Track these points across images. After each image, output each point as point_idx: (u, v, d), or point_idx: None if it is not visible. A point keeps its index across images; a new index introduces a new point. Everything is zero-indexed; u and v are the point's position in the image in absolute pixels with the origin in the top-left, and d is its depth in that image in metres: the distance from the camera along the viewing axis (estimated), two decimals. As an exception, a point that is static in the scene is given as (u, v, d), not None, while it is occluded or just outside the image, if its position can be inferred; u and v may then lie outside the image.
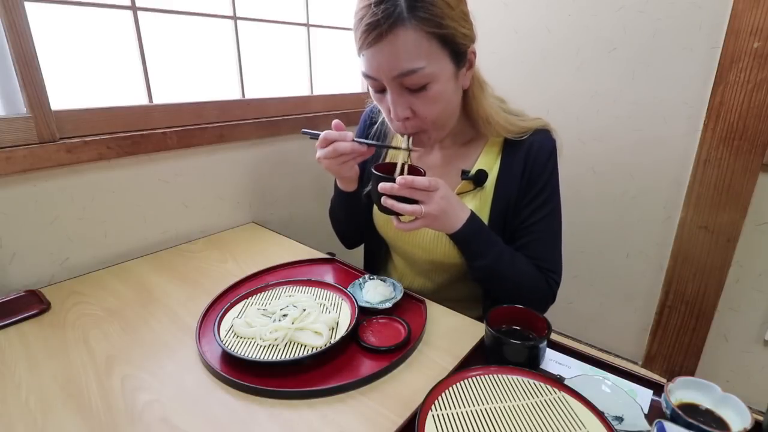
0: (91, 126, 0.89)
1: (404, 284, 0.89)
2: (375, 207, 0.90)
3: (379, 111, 0.88)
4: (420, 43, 0.62)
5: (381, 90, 0.69)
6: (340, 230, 1.00)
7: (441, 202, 0.66)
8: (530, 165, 0.76)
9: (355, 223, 0.95)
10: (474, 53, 0.70)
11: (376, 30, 0.60)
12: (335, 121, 0.74)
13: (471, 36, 0.68)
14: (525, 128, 0.77)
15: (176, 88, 1.07)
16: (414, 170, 0.71)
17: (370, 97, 0.76)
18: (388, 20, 0.60)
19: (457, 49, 0.66)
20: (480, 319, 0.74)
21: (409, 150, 0.71)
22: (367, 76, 0.67)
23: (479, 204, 0.79)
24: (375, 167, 0.69)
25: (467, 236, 0.71)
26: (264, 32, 1.25)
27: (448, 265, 0.84)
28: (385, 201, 0.65)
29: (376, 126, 0.90)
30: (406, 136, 0.73)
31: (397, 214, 0.67)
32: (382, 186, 0.64)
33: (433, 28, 0.61)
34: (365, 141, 0.75)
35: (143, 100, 1.00)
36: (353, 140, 0.73)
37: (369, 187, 0.89)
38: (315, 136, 0.75)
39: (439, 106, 0.68)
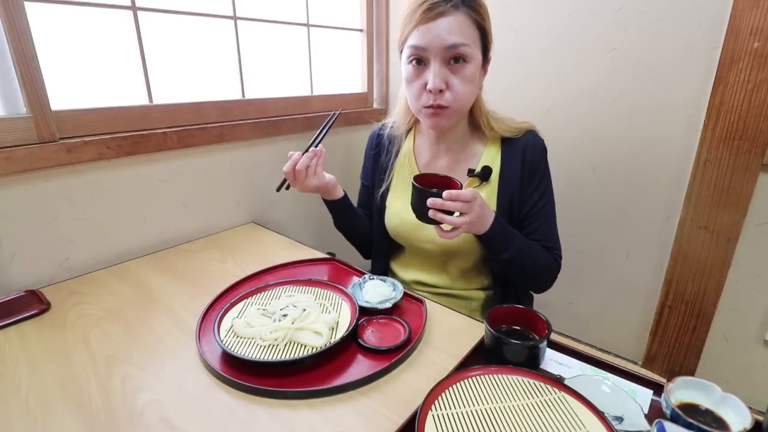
0: (91, 126, 0.89)
1: (416, 280, 0.95)
2: (386, 214, 0.95)
3: (384, 128, 1.00)
4: (468, 26, 0.76)
5: (422, 63, 0.78)
6: (351, 241, 1.07)
7: (479, 210, 0.73)
8: (528, 160, 0.86)
9: (358, 229, 1.02)
10: (489, 61, 0.83)
11: (438, 8, 0.74)
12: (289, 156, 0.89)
13: (492, 42, 0.82)
14: (519, 128, 0.88)
15: (176, 88, 1.07)
16: (451, 182, 0.76)
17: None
18: (448, 3, 0.74)
19: (487, 44, 0.80)
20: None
21: (330, 122, 0.92)
22: (416, 47, 0.77)
23: (486, 197, 0.87)
24: (415, 179, 0.74)
25: (494, 235, 0.78)
26: (264, 32, 1.25)
27: (462, 252, 0.89)
28: (435, 215, 0.70)
29: (384, 137, 0.99)
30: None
31: (438, 224, 0.72)
32: (432, 201, 0.69)
33: (479, 18, 0.76)
34: (309, 146, 0.90)
35: (143, 100, 1.00)
36: (304, 152, 0.88)
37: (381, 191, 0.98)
38: (283, 183, 0.91)
39: (468, 87, 0.79)
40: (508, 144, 0.88)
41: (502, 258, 0.80)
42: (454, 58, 0.76)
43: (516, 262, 0.80)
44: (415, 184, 0.72)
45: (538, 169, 0.87)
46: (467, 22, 0.75)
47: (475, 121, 0.89)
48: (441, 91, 0.77)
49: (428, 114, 0.81)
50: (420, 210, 0.72)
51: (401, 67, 0.83)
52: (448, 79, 0.77)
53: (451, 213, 0.70)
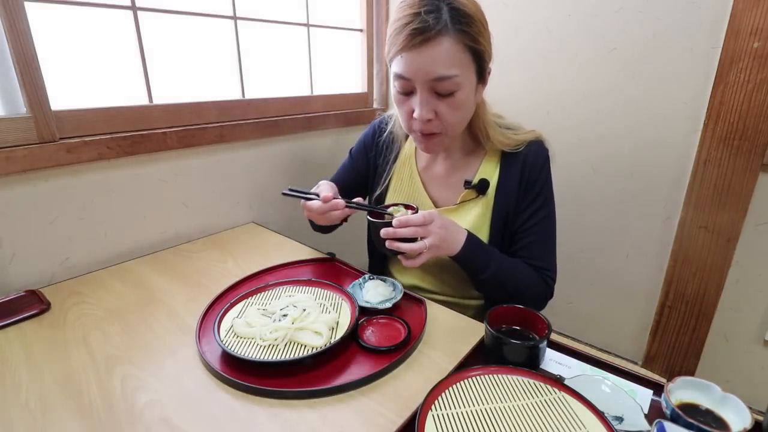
0: (91, 126, 0.89)
1: (414, 285, 0.92)
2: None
3: (387, 123, 0.95)
4: (457, 53, 0.68)
5: (408, 92, 0.73)
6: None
7: (440, 232, 0.71)
8: (527, 174, 0.82)
9: (331, 228, 0.97)
10: (489, 72, 0.76)
11: (423, 35, 0.66)
12: (325, 196, 0.77)
13: (491, 57, 0.75)
14: (520, 141, 0.83)
15: (176, 88, 1.07)
16: (407, 208, 0.75)
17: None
18: (435, 27, 0.66)
19: (482, 65, 0.73)
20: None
21: (386, 212, 0.76)
22: (400, 77, 0.71)
23: (482, 210, 0.84)
24: (370, 215, 0.74)
25: (467, 256, 0.75)
26: (264, 32, 1.25)
27: (454, 264, 0.85)
28: (391, 244, 0.69)
29: (384, 136, 0.95)
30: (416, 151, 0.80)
31: (402, 253, 0.70)
32: (384, 232, 0.69)
33: (470, 42, 0.68)
34: (353, 205, 0.79)
35: (143, 100, 1.00)
36: (346, 205, 0.78)
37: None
38: (302, 197, 0.79)
39: (460, 113, 0.74)
40: (508, 155, 0.83)
41: (480, 278, 0.77)
42: (442, 88, 0.70)
43: (496, 283, 0.77)
44: (368, 218, 0.73)
45: (537, 181, 0.82)
46: (457, 48, 0.67)
47: (474, 131, 0.84)
48: (430, 119, 0.73)
49: (418, 138, 0.78)
50: (379, 243, 0.71)
51: (391, 81, 0.77)
52: (436, 108, 0.72)
53: (415, 240, 0.69)
